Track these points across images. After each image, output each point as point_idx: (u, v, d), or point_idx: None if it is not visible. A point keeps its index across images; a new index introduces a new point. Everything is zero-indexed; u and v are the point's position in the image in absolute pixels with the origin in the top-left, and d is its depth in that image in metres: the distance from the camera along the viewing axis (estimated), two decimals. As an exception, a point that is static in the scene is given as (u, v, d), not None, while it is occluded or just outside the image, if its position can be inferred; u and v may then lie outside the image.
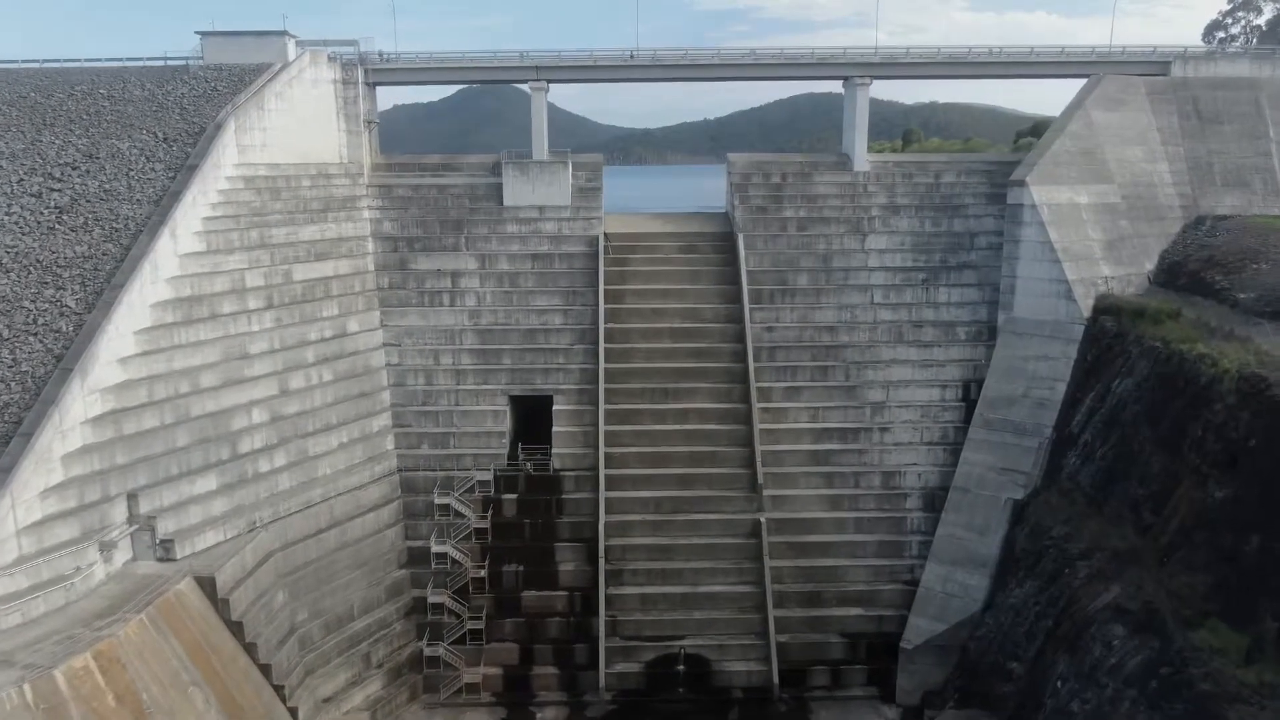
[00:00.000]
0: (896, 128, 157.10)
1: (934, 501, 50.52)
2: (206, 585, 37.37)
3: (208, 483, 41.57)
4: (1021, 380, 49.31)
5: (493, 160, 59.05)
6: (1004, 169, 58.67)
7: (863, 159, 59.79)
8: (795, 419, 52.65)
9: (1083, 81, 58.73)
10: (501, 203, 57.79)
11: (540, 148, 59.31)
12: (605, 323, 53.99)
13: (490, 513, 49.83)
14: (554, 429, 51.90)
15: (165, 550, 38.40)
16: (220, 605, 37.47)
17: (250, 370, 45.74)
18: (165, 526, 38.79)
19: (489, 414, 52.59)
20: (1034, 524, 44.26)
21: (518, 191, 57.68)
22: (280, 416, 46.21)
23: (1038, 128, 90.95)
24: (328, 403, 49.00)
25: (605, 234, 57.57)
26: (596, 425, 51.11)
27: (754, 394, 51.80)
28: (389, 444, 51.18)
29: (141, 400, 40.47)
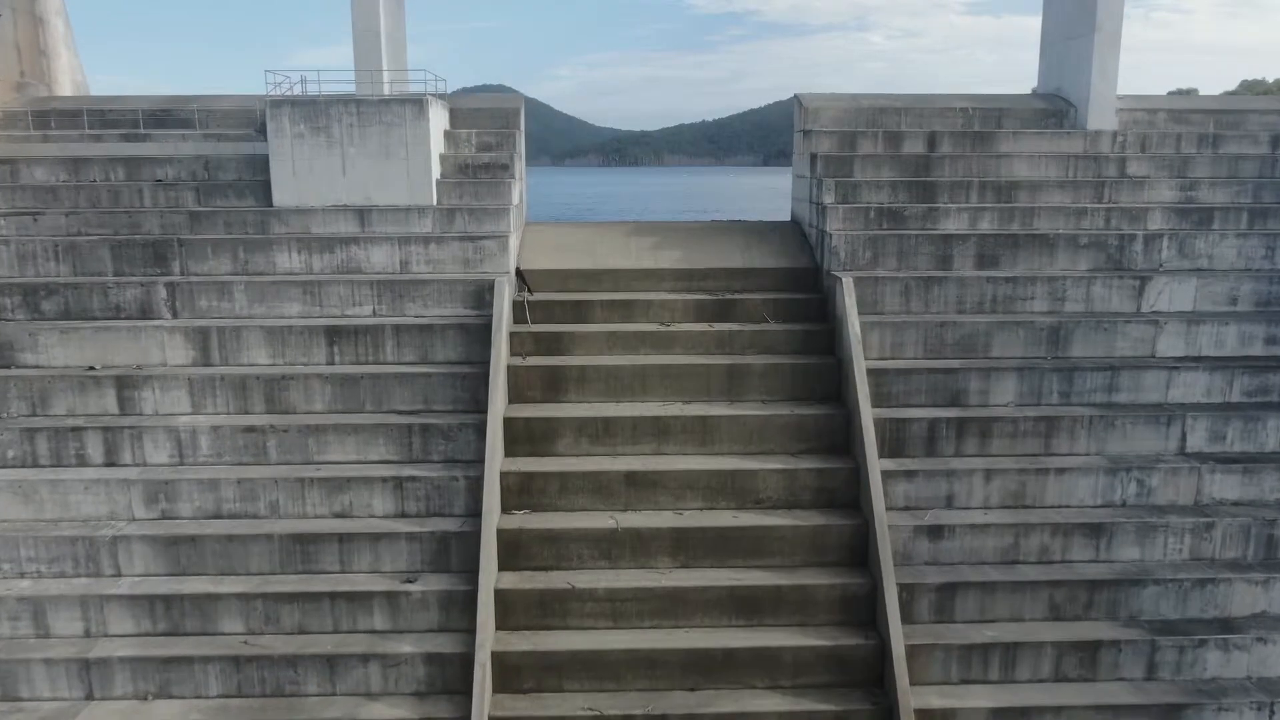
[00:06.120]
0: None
1: None
2: None
3: None
4: None
5: (254, 107, 25.85)
6: None
7: (1107, 107, 26.66)
8: (1025, 802, 18.87)
9: None
10: (269, 200, 24.53)
11: (371, 71, 26.07)
12: (503, 511, 20.65)
13: None
14: (341, 847, 18.23)
15: None
16: None
17: None
18: None
19: (158, 799, 18.86)
20: None
21: (308, 173, 24.37)
22: None
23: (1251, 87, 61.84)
24: None
25: (519, 273, 24.40)
26: (463, 838, 17.55)
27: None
28: None
29: None
